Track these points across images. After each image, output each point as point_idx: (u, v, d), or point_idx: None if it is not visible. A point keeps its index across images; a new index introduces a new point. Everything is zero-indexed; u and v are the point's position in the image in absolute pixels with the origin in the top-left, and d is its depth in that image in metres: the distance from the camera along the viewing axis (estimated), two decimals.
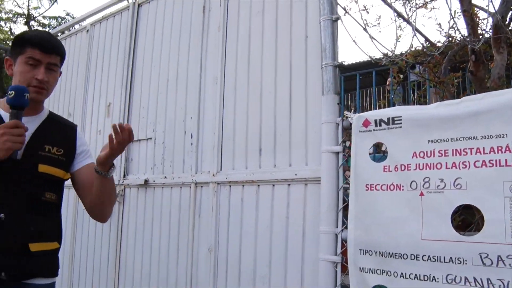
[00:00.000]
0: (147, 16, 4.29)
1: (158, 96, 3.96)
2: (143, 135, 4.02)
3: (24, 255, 1.88)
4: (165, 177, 3.69)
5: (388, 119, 2.25)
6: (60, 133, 2.10)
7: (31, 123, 1.96)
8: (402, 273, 2.09)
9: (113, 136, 1.82)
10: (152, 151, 3.90)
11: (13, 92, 1.79)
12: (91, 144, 4.43)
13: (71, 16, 13.32)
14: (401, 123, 2.20)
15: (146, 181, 3.83)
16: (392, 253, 2.14)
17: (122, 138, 1.81)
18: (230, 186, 3.20)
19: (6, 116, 1.94)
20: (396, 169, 2.18)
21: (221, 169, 3.30)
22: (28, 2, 14.54)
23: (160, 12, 4.15)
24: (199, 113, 3.55)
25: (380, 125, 2.28)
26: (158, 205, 3.74)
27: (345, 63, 2.55)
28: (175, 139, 3.71)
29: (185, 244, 3.43)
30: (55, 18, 13.11)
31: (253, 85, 3.21)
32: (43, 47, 1.94)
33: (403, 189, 2.14)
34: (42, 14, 13.08)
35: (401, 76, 6.52)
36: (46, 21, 13.02)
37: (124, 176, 4.09)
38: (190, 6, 3.84)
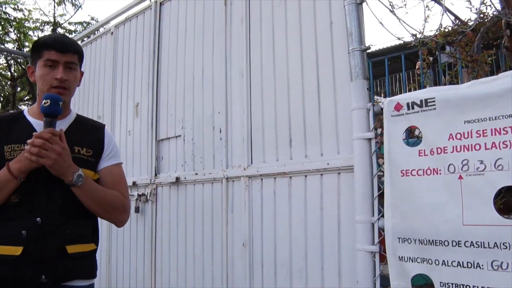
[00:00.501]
0: (170, 14, 4.27)
1: (185, 93, 3.94)
2: (172, 133, 4.01)
3: (62, 257, 1.90)
4: (196, 174, 3.67)
5: (421, 101, 2.16)
6: (89, 134, 2.11)
7: (59, 127, 1.97)
8: (444, 261, 2.01)
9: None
10: (182, 148, 3.89)
11: (48, 100, 1.84)
12: (121, 145, 4.46)
13: (95, 20, 13.48)
14: (434, 105, 2.11)
15: (177, 178, 3.82)
16: (433, 241, 2.06)
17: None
18: (261, 179, 3.15)
19: (37, 123, 1.99)
20: (432, 153, 2.10)
21: (251, 163, 3.26)
22: (54, 10, 14.77)
23: (182, 8, 4.13)
24: (227, 107, 3.51)
25: (413, 108, 2.19)
26: (190, 202, 3.72)
27: (372, 47, 2.47)
28: (204, 135, 3.69)
29: (219, 240, 3.41)
30: (81, 23, 13.32)
31: (279, 76, 3.15)
32: (58, 47, 1.97)
33: (440, 173, 2.06)
34: (67, 20, 13.28)
35: (431, 58, 6.34)
36: (72, 27, 13.25)
37: (155, 175, 4.10)
38: (212, 0, 3.80)
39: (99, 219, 2.14)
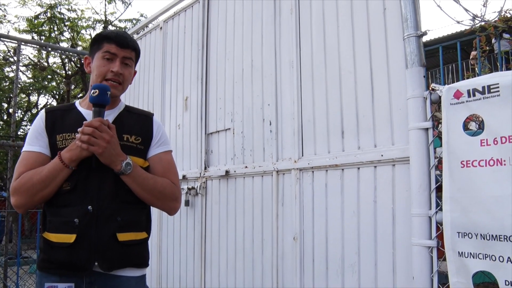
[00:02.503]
0: (218, 7, 4.25)
1: (234, 85, 3.91)
2: (222, 126, 3.99)
3: (113, 245, 1.93)
4: (246, 167, 3.64)
5: (483, 87, 2.04)
6: (137, 122, 2.13)
7: (109, 116, 2.02)
8: (509, 258, 1.89)
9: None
10: (232, 141, 3.87)
11: (97, 90, 1.89)
12: (171, 139, 4.49)
13: (144, 17, 13.74)
14: (498, 91, 1.99)
15: (227, 172, 3.80)
16: (496, 236, 1.94)
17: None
18: (313, 172, 3.09)
19: (87, 113, 2.03)
20: (495, 142, 1.98)
21: (302, 155, 3.19)
22: (105, 8, 15.15)
23: (230, 1, 4.10)
24: (277, 99, 3.46)
25: (474, 95, 2.07)
26: (240, 195, 3.70)
27: (424, 37, 2.35)
28: (254, 127, 3.65)
29: (270, 233, 3.36)
30: (130, 20, 13.60)
31: (330, 66, 3.07)
32: (119, 42, 2.02)
33: (505, 164, 1.93)
34: (117, 18, 13.61)
35: (487, 48, 6.06)
36: (122, 24, 13.54)
37: (205, 168, 4.10)
38: None
39: (151, 208, 2.14)
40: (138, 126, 2.11)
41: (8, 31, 14.20)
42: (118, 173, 1.92)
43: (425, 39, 2.53)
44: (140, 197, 2.01)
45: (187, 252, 4.24)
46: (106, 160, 1.88)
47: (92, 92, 1.89)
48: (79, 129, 1.85)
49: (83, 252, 1.88)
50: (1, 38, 7.55)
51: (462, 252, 2.08)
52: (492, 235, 1.96)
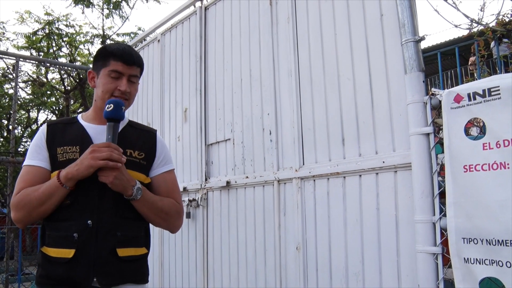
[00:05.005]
0: (215, 18, 4.26)
1: (233, 96, 3.90)
2: (221, 136, 3.98)
3: (113, 260, 1.90)
4: (247, 177, 3.61)
5: (484, 91, 2.02)
6: (140, 138, 2.12)
7: None
8: None
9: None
10: (232, 151, 3.85)
11: (111, 105, 1.88)
12: (171, 151, 4.47)
13: (142, 30, 13.76)
14: (499, 94, 1.97)
15: (228, 182, 3.78)
16: (502, 241, 1.91)
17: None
18: (314, 180, 3.06)
19: (89, 127, 2.03)
20: (498, 146, 1.96)
21: (303, 164, 3.17)
22: (103, 23, 15.22)
23: (227, 11, 4.10)
24: (276, 108, 3.44)
25: (475, 98, 2.06)
26: (241, 205, 3.67)
27: (422, 44, 2.34)
28: (254, 137, 3.63)
29: (272, 243, 3.33)
30: (128, 34, 13.62)
31: (329, 73, 3.06)
32: (126, 60, 1.99)
33: (508, 167, 1.91)
34: (115, 32, 13.61)
35: (486, 53, 6.05)
36: (120, 38, 13.54)
37: (206, 179, 4.07)
38: (257, 1, 3.75)
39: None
40: (141, 141, 2.09)
41: (7, 48, 14.23)
42: (129, 198, 1.91)
43: (423, 45, 2.52)
44: (146, 218, 2.02)
45: (189, 265, 4.20)
46: (118, 188, 1.87)
47: (106, 107, 1.87)
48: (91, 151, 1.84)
49: (82, 267, 1.85)
50: (1, 56, 7.57)
51: (467, 258, 2.05)
52: (498, 240, 1.93)
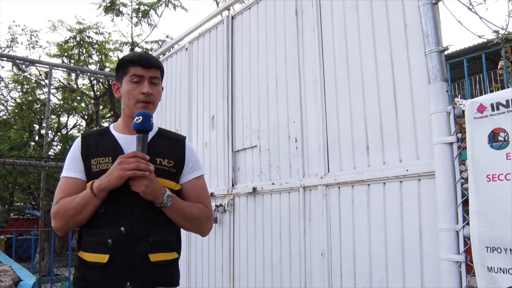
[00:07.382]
0: (241, 27, 4.34)
1: (259, 103, 3.97)
2: (248, 143, 4.05)
3: (145, 265, 1.97)
4: (273, 184, 3.67)
5: (507, 101, 2.05)
6: (170, 146, 2.18)
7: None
8: None
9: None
10: (258, 158, 3.92)
11: (140, 117, 1.95)
12: (199, 156, 4.54)
13: (170, 38, 13.93)
14: None
15: (254, 188, 3.84)
16: None
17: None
18: (339, 187, 3.11)
19: (120, 137, 2.11)
20: None
21: (328, 171, 3.22)
22: (132, 30, 15.46)
23: (253, 21, 4.18)
24: (302, 116, 3.50)
25: (498, 109, 2.08)
26: (267, 212, 3.73)
27: (449, 49, 2.36)
28: (280, 144, 3.69)
29: (297, 249, 3.38)
30: (156, 41, 13.78)
31: (354, 82, 3.10)
32: (143, 63, 2.07)
33: None
34: (144, 40, 13.82)
35: None
36: (148, 46, 13.74)
37: (233, 185, 4.15)
38: (282, 11, 3.82)
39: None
40: (170, 149, 2.16)
41: (40, 56, 14.60)
42: (159, 206, 1.98)
43: (450, 50, 2.54)
44: (177, 223, 2.09)
45: (215, 269, 4.27)
46: (149, 196, 1.95)
47: (135, 119, 1.95)
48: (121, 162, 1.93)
49: (116, 272, 1.93)
50: (35, 64, 7.80)
51: (491, 267, 2.07)
52: None
